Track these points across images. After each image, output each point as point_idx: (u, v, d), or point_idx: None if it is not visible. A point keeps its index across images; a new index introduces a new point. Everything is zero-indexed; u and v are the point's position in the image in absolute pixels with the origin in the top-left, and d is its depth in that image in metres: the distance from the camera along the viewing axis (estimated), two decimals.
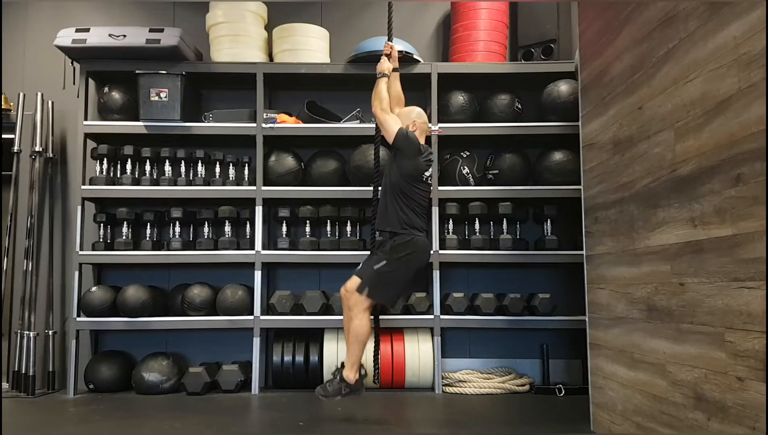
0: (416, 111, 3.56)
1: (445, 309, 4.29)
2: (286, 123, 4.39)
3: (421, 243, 3.39)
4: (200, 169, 4.44)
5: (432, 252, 4.25)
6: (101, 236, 4.35)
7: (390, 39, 3.73)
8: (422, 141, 3.51)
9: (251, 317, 4.22)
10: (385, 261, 3.31)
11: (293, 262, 4.43)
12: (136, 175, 4.42)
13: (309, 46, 4.49)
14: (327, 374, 4.18)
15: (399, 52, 4.10)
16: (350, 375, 3.28)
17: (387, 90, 3.59)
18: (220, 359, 4.44)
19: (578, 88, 3.31)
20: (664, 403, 2.35)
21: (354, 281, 3.32)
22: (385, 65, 3.62)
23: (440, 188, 4.34)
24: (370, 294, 3.28)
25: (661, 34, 2.41)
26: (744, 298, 1.89)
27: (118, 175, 4.41)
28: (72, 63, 4.36)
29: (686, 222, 2.23)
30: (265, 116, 4.38)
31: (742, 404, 1.89)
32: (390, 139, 3.40)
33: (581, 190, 3.25)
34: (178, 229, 4.43)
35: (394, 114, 3.58)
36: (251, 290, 4.29)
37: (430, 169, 3.49)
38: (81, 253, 4.25)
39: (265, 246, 4.39)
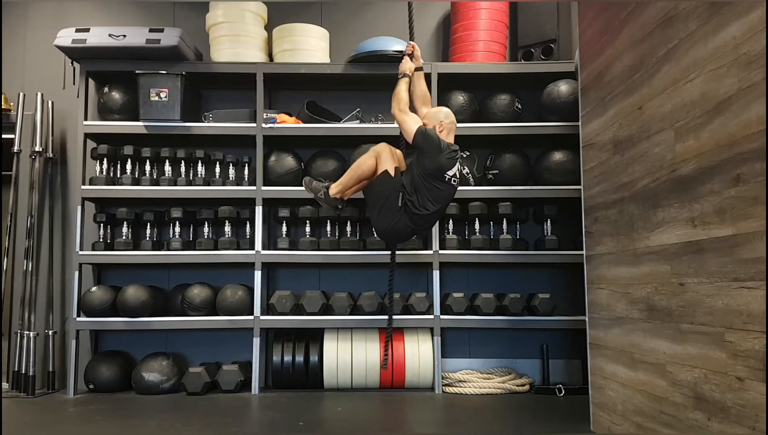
0: (444, 111, 3.57)
1: (445, 309, 4.29)
2: (286, 123, 4.39)
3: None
4: (200, 169, 4.44)
5: (432, 252, 4.27)
6: (101, 236, 4.35)
7: (412, 38, 3.73)
8: (450, 140, 3.53)
9: (251, 317, 4.22)
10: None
11: (293, 262, 4.42)
12: (136, 175, 4.42)
13: (309, 46, 4.49)
14: (327, 374, 4.20)
15: (398, 51, 4.11)
16: (334, 190, 3.73)
17: (410, 90, 3.60)
18: (220, 359, 4.45)
19: (578, 88, 3.31)
20: (664, 403, 2.35)
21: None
22: (406, 65, 3.62)
23: None
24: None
25: (661, 34, 2.41)
26: (744, 298, 1.89)
27: (118, 175, 4.41)
28: (72, 63, 4.36)
29: (686, 222, 2.23)
30: (265, 116, 4.38)
31: (742, 404, 1.89)
32: (409, 138, 3.42)
33: (581, 190, 3.25)
34: (178, 229, 4.43)
35: (422, 114, 3.59)
36: (251, 290, 4.29)
37: (455, 168, 3.48)
38: (81, 253, 4.25)
39: (265, 246, 4.40)
